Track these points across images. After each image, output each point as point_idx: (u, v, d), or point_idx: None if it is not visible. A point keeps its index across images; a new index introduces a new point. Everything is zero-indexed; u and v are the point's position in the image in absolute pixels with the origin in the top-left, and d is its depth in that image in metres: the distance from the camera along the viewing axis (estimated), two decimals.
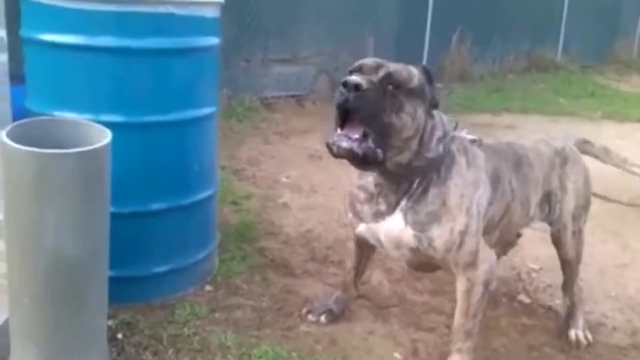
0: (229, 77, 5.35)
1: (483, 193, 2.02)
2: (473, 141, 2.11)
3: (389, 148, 1.80)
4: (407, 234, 1.97)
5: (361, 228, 2.11)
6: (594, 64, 10.61)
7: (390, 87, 1.77)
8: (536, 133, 2.63)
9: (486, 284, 2.03)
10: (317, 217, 3.46)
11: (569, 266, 2.46)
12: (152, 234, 2.40)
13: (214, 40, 2.44)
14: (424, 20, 7.91)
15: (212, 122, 2.53)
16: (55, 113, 2.13)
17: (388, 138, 1.79)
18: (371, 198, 2.02)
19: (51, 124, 1.81)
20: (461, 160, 1.98)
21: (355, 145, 1.74)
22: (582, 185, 2.40)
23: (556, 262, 2.56)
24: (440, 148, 1.92)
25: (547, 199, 2.34)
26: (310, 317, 2.40)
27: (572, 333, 2.42)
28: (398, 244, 2.02)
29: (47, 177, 1.54)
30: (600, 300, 2.75)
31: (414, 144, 1.86)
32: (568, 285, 2.51)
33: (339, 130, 1.78)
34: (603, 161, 2.73)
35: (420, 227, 1.94)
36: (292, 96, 6.42)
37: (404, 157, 1.87)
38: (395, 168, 1.88)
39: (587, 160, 2.55)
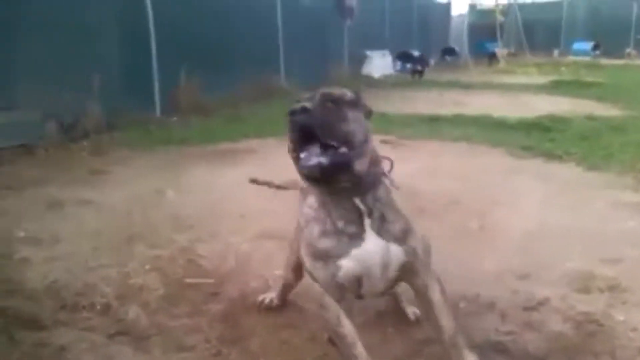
0: None
1: None
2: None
3: (354, 156, 1.88)
4: (395, 249, 2.00)
5: (345, 266, 1.98)
6: (313, 86, 11.67)
7: (329, 103, 1.90)
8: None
9: None
10: (62, 267, 3.32)
11: None
12: None
13: None
14: (149, 56, 8.02)
15: None
16: None
17: (351, 145, 1.88)
18: (333, 228, 1.98)
19: None
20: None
21: (322, 159, 1.83)
22: None
23: None
24: (382, 166, 2.05)
25: None
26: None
27: (409, 312, 2.78)
28: (387, 264, 2.01)
29: None
30: None
31: (368, 149, 1.95)
32: None
33: (301, 155, 1.85)
34: None
35: (402, 239, 2.00)
36: (20, 145, 5.99)
37: (364, 163, 1.92)
38: (357, 175, 1.91)
39: None
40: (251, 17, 10.32)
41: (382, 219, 1.99)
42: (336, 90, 1.99)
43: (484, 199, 4.69)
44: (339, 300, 2.06)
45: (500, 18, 21.99)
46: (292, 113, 1.85)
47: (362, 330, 2.65)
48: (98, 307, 2.88)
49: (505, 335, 2.67)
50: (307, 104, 1.85)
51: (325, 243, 1.98)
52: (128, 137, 6.84)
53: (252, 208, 4.34)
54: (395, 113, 9.03)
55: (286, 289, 2.93)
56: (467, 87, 13.86)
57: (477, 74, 17.92)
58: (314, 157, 1.83)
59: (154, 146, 6.52)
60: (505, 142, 6.87)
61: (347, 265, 1.97)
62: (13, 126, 5.98)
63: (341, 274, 1.98)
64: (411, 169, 5.67)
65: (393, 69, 16.36)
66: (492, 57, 21.62)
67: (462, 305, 2.94)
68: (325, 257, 1.98)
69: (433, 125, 8.13)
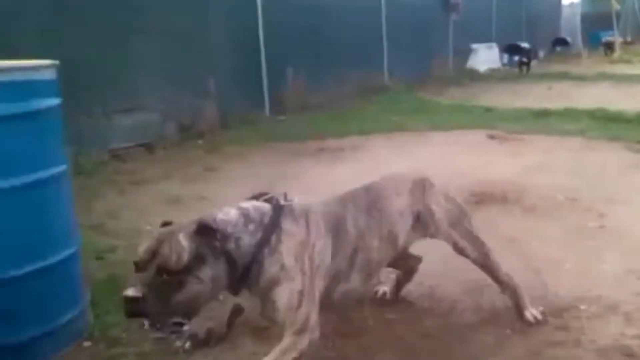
0: (72, 134, 5.23)
1: (323, 248, 2.23)
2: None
3: (206, 301, 2.01)
4: (256, 301, 2.15)
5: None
6: (416, 82, 11.71)
7: (164, 275, 1.88)
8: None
9: (302, 353, 2.14)
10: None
11: (481, 265, 2.75)
12: (17, 299, 2.35)
13: (54, 101, 2.47)
14: (258, 59, 8.29)
15: (64, 180, 2.55)
16: None
17: (192, 306, 1.96)
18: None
19: None
20: (289, 226, 2.15)
21: (159, 333, 2.09)
22: (444, 202, 2.68)
23: None
24: (258, 235, 2.09)
25: (419, 221, 2.60)
26: (178, 343, 2.57)
27: (527, 314, 2.71)
28: (255, 311, 2.23)
29: None
30: (449, 288, 3.11)
31: (223, 272, 2.01)
32: (496, 279, 2.77)
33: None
34: None
35: (264, 293, 2.11)
36: (141, 145, 6.42)
37: (215, 296, 2.09)
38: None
39: None
40: (355, 16, 10.40)
41: (257, 277, 2.08)
42: (172, 256, 1.89)
43: (602, 197, 4.46)
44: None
45: (616, 6, 20.62)
46: (125, 300, 1.85)
47: (477, 329, 2.67)
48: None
49: (632, 339, 2.54)
50: (136, 293, 1.84)
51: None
52: (240, 136, 7.12)
53: None
54: (503, 107, 8.77)
55: (399, 284, 3.00)
56: (579, 78, 13.18)
57: (590, 64, 16.96)
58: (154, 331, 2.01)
59: (264, 144, 6.74)
60: (623, 136, 6.50)
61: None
62: (136, 127, 6.41)
63: None
64: (522, 165, 5.52)
65: (500, 62, 15.83)
66: (608, 46, 20.38)
67: (582, 307, 2.83)
68: None
69: (543, 120, 7.82)
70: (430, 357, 2.47)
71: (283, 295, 2.10)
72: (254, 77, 8.20)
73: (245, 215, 2.09)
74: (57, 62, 2.46)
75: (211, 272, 1.96)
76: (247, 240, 2.06)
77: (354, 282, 2.40)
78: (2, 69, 2.22)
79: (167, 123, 6.81)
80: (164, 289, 1.87)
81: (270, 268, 2.07)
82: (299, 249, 2.13)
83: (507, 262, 3.37)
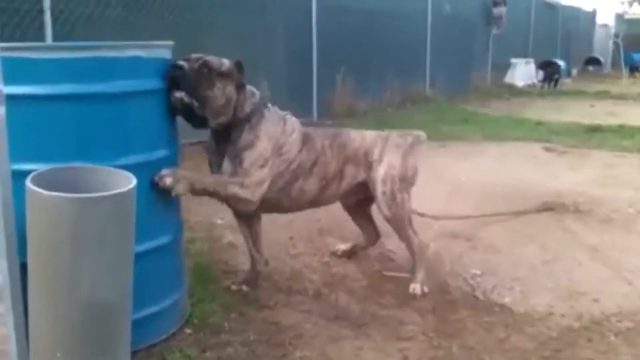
0: None
1: (292, 142, 2.72)
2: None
3: (209, 113, 2.51)
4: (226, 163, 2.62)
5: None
6: (457, 94, 11.67)
7: (205, 70, 2.46)
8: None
9: (237, 198, 2.61)
10: (266, 253, 3.51)
11: (391, 224, 3.08)
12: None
13: None
14: (310, 64, 8.33)
15: (176, 162, 2.57)
16: (24, 165, 2.02)
17: (206, 106, 2.48)
18: (214, 151, 2.70)
19: (69, 171, 1.78)
20: (269, 116, 2.69)
21: (184, 94, 2.38)
22: (397, 161, 3.01)
23: (494, 266, 3.04)
24: (249, 109, 2.61)
25: (369, 166, 3.00)
26: (233, 287, 2.98)
27: (411, 287, 3.00)
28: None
29: (84, 223, 1.52)
30: (541, 293, 3.07)
31: (229, 110, 2.56)
32: (405, 243, 3.13)
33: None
34: None
35: (237, 153, 2.58)
36: (198, 142, 6.41)
37: (223, 119, 2.57)
38: (218, 127, 2.60)
39: None
40: (402, 27, 10.44)
41: (237, 141, 2.59)
42: (216, 61, 2.52)
43: None
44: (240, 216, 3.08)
45: None
46: (173, 66, 2.37)
47: (581, 335, 2.63)
48: (310, 292, 3.02)
49: None
50: (185, 64, 2.41)
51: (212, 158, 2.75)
52: None
53: (431, 208, 4.32)
54: (552, 121, 8.71)
55: (355, 246, 3.51)
56: (620, 97, 13.07)
57: (627, 85, 16.82)
58: (179, 92, 2.38)
59: None
60: None
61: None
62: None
63: None
64: (585, 178, 5.45)
65: (535, 78, 15.73)
66: (635, 69, 20.33)
67: None
68: (211, 165, 2.79)
69: (596, 135, 7.74)
70: None
71: (252, 154, 2.58)
72: (304, 82, 8.23)
73: (251, 90, 2.66)
74: (172, 42, 2.47)
75: (231, 94, 2.54)
76: (247, 105, 2.61)
77: (312, 184, 2.84)
78: (122, 45, 2.21)
79: None
80: (201, 79, 2.44)
81: (247, 136, 2.59)
82: (275, 134, 2.66)
83: (595, 271, 3.36)
